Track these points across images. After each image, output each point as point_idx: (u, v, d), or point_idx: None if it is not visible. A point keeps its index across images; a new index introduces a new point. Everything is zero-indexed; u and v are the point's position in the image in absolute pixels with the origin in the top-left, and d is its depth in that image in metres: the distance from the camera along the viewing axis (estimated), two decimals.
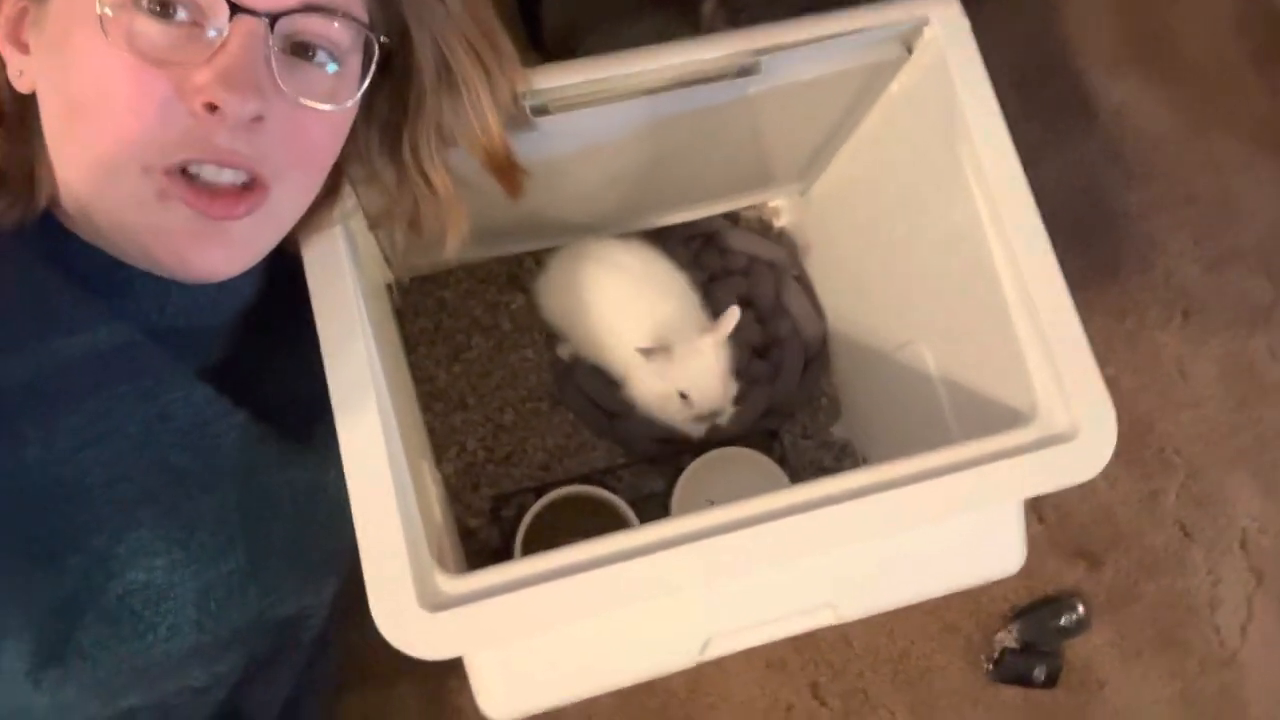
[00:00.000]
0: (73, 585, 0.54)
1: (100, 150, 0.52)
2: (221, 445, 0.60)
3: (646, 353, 0.79)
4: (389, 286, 0.94)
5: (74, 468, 0.53)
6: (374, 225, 0.70)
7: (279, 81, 0.52)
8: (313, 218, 0.62)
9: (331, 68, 0.56)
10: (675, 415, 0.85)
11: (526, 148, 0.66)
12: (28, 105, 0.56)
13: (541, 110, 0.66)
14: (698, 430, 0.86)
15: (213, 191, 0.53)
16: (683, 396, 0.82)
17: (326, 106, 0.56)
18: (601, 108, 0.67)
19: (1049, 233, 0.66)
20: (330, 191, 0.63)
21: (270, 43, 0.51)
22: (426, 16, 0.58)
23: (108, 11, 0.50)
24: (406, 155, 0.63)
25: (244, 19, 0.50)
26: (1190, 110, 1.19)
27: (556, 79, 0.65)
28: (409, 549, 0.55)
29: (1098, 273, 1.12)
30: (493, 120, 0.62)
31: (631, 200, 0.87)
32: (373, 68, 0.57)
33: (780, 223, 1.04)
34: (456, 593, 0.56)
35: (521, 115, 0.65)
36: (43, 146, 0.56)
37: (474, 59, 0.60)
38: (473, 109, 0.61)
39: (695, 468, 0.93)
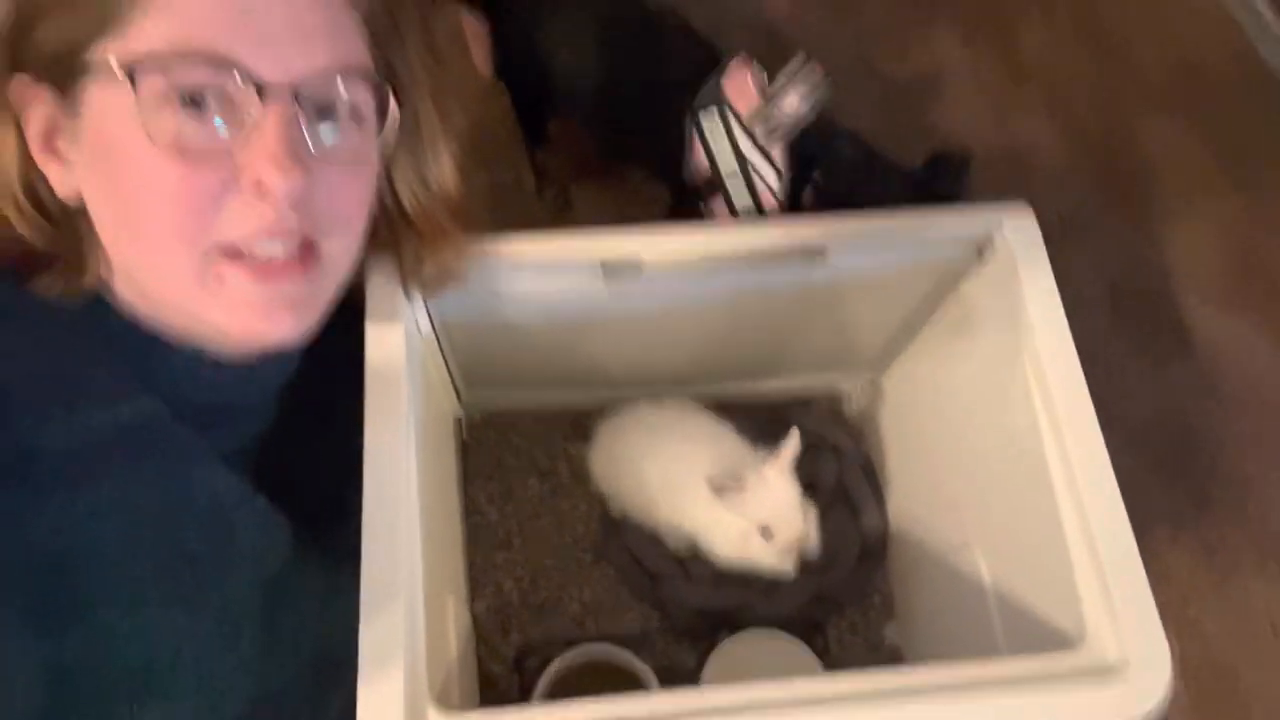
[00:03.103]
0: (71, 657, 0.53)
1: (161, 248, 0.53)
2: (237, 533, 0.60)
3: (717, 487, 0.79)
4: (458, 420, 0.97)
5: (89, 539, 0.53)
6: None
7: (314, 149, 0.54)
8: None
9: (355, 123, 0.57)
10: (761, 555, 0.82)
11: (589, 305, 0.68)
12: (73, 206, 0.56)
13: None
14: (787, 565, 0.83)
15: (269, 265, 0.55)
16: (763, 532, 0.81)
17: (358, 164, 0.57)
18: (660, 276, 0.69)
19: (1136, 457, 0.64)
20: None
21: (300, 114, 0.52)
22: (396, 53, 0.59)
23: (148, 116, 0.50)
24: (390, 189, 0.64)
25: (273, 96, 0.51)
26: None
27: (617, 248, 0.67)
28: (406, 679, 0.55)
29: (1187, 506, 1.06)
30: (446, 160, 0.63)
31: (699, 364, 0.89)
32: (389, 114, 0.58)
33: (851, 408, 1.04)
34: None
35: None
36: (92, 233, 0.56)
37: (427, 99, 0.61)
38: (429, 149, 0.62)
39: (729, 645, 0.89)
